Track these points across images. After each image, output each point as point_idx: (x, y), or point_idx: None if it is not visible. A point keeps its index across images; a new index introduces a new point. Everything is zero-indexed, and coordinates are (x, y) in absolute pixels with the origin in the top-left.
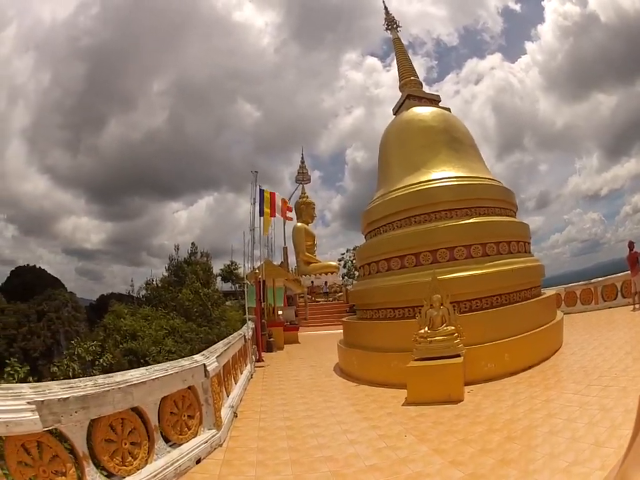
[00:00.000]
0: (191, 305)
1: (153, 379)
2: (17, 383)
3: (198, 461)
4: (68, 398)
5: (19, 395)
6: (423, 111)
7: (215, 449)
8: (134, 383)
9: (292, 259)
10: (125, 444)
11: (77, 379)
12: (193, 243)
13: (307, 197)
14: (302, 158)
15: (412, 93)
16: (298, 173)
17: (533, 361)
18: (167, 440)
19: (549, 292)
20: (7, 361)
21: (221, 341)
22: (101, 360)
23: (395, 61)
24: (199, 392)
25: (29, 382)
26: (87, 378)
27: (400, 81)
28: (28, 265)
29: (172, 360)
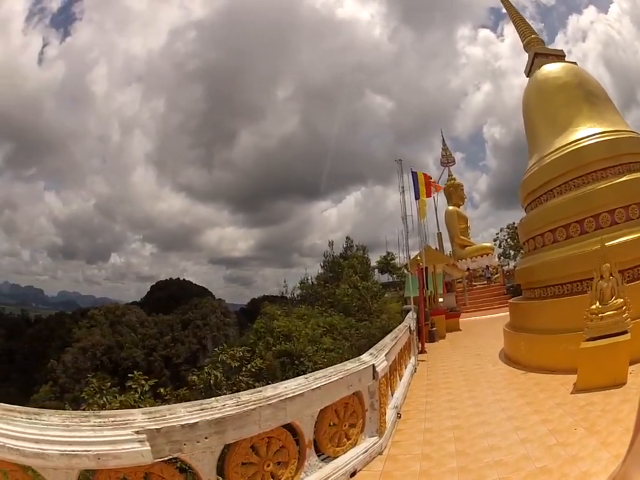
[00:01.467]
0: (350, 299)
1: (313, 389)
2: (140, 396)
3: (352, 474)
4: (196, 423)
5: (126, 423)
6: (555, 68)
7: (373, 458)
8: (288, 396)
9: (446, 245)
10: (268, 466)
11: (212, 399)
12: (347, 237)
13: (455, 179)
14: (443, 141)
15: (538, 51)
16: (442, 156)
17: None
18: (318, 451)
19: None
20: (129, 375)
21: (388, 336)
22: (249, 365)
23: (511, 22)
24: (364, 397)
25: (161, 393)
26: (228, 396)
27: (522, 41)
28: (170, 278)
29: (329, 359)
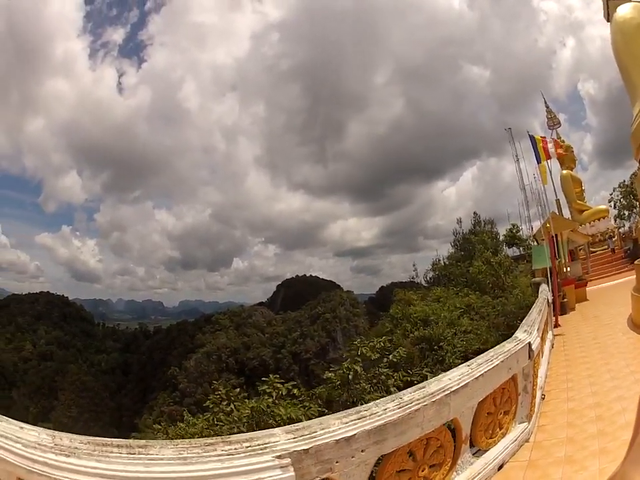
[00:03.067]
0: (484, 276)
1: (476, 377)
2: (275, 400)
3: (500, 467)
4: (353, 436)
5: (265, 447)
6: (628, 9)
7: (521, 446)
8: (453, 389)
9: (564, 212)
10: (423, 470)
11: (371, 404)
12: (474, 213)
13: (564, 141)
14: (545, 103)
15: None
16: (547, 119)
17: None
18: (471, 445)
19: None
20: (263, 378)
21: (533, 310)
22: (390, 356)
23: None
24: (519, 379)
25: (295, 394)
26: (388, 398)
27: None
28: (297, 275)
29: (468, 341)
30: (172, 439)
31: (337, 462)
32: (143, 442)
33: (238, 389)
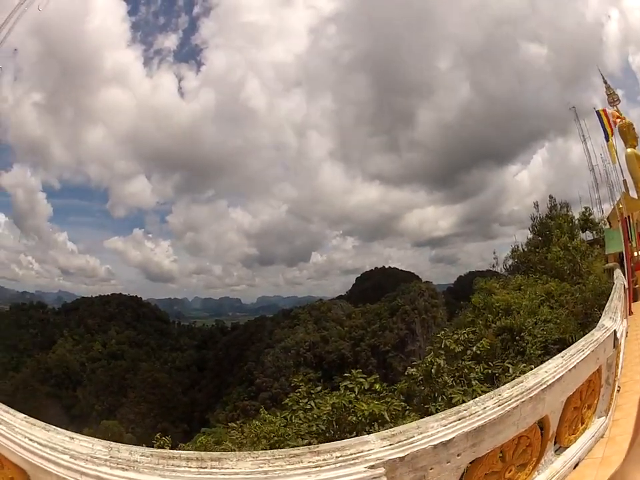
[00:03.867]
0: (561, 262)
1: (570, 370)
2: (356, 396)
3: (575, 465)
4: (452, 439)
5: (357, 457)
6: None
7: (597, 441)
8: (548, 382)
9: (631, 193)
10: (510, 471)
11: (470, 402)
12: (550, 196)
13: (625, 118)
14: (603, 79)
15: None
16: (607, 95)
17: None
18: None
19: None
20: (345, 374)
21: (613, 296)
22: (474, 348)
23: None
24: (602, 370)
25: (377, 389)
26: (487, 396)
27: None
28: (375, 267)
29: (547, 330)
30: (247, 437)
31: (431, 469)
32: (217, 454)
33: (320, 387)
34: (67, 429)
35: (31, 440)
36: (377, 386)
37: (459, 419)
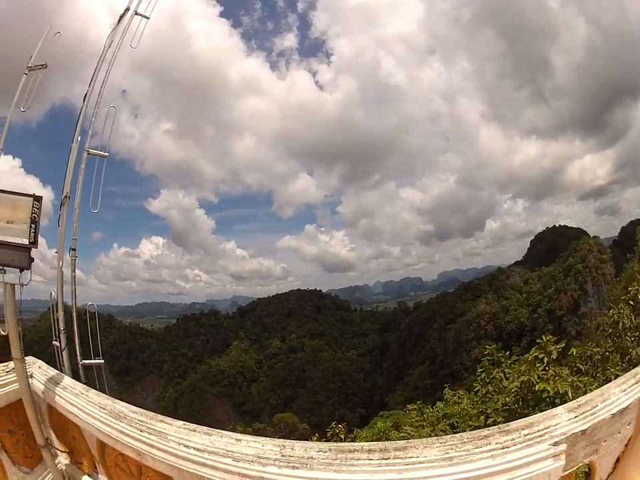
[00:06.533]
0: None
1: None
2: (545, 367)
3: None
4: (627, 406)
5: (544, 434)
6: None
7: None
8: None
9: None
10: None
11: None
12: None
13: None
14: None
15: None
16: None
17: None
18: None
19: None
20: (537, 340)
21: None
22: None
23: None
24: None
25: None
26: None
27: None
28: (547, 227)
29: None
30: (427, 418)
31: (604, 441)
32: (402, 443)
33: (508, 352)
34: (235, 425)
35: (186, 447)
36: (573, 352)
37: (636, 382)
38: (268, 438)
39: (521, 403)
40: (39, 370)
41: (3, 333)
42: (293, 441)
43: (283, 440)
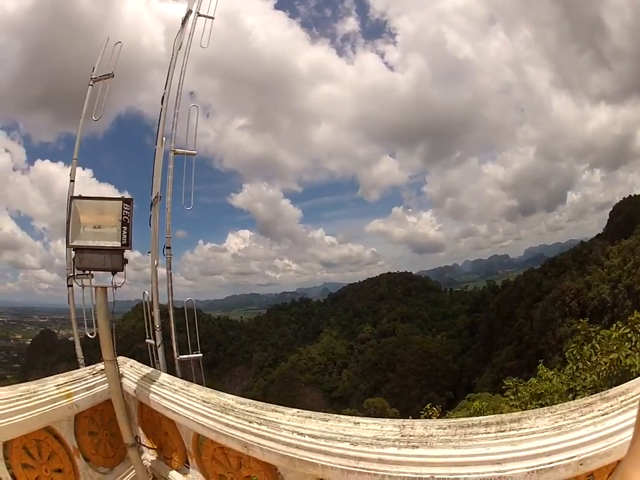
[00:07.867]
0: None
1: None
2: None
3: None
4: None
5: (636, 399)
6: None
7: None
8: None
9: None
10: None
11: None
12: None
13: None
14: None
15: None
16: None
17: None
18: None
19: None
20: (619, 317)
21: None
22: None
23: None
24: None
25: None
26: None
27: None
28: (624, 198)
29: None
30: (520, 397)
31: None
32: (517, 414)
33: (598, 327)
34: (325, 412)
35: (300, 434)
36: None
37: None
38: (388, 419)
39: (608, 380)
40: (130, 369)
41: (90, 335)
42: (413, 420)
43: (403, 420)
